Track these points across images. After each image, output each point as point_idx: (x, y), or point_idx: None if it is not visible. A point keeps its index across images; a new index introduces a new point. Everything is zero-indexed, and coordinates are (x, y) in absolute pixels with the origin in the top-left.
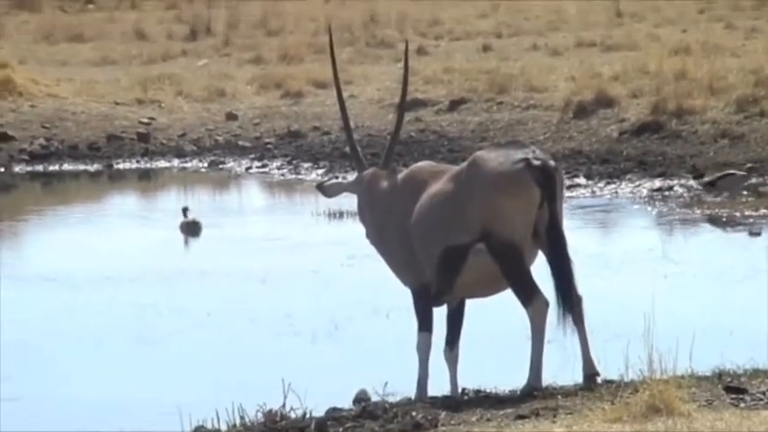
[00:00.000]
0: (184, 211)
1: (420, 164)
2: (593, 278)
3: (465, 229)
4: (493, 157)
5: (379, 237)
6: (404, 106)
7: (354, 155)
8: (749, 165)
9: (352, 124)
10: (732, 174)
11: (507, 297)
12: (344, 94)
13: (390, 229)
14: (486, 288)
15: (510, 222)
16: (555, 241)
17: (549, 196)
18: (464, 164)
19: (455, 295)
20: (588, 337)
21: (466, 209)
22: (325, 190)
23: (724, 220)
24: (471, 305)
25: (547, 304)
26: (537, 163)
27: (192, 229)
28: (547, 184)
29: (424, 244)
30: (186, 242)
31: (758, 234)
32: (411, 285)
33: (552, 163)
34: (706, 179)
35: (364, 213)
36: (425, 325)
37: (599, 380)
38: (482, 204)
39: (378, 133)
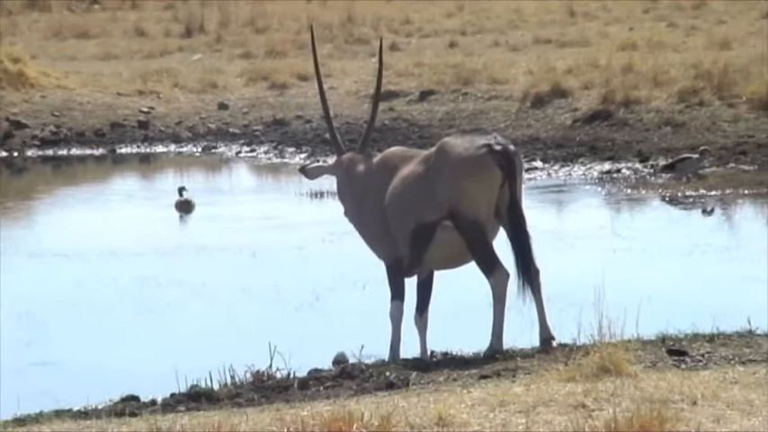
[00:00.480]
0: (180, 190)
1: (392, 149)
2: (549, 252)
3: (434, 207)
4: (459, 143)
5: (356, 215)
6: (379, 97)
7: (334, 141)
8: (702, 148)
9: (331, 113)
10: (689, 157)
11: (472, 269)
12: (325, 87)
13: (367, 207)
14: (453, 261)
15: (474, 202)
16: (515, 219)
17: (510, 178)
18: (433, 149)
19: (425, 267)
20: (545, 305)
21: (435, 189)
22: (307, 172)
23: (667, 199)
24: (439, 276)
25: (507, 275)
26: (498, 148)
27: (185, 207)
28: (507, 167)
29: (398, 221)
30: (181, 219)
31: (711, 212)
32: (385, 259)
33: (512, 148)
34: (666, 162)
35: (343, 193)
36: (398, 294)
37: (554, 343)
38: (449, 185)
39: (355, 121)
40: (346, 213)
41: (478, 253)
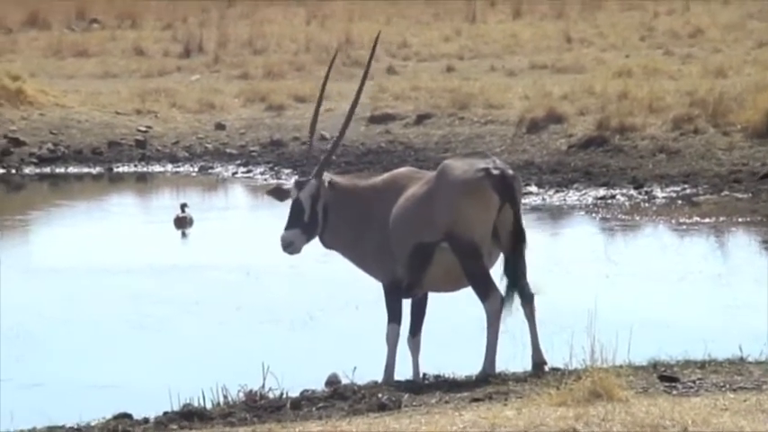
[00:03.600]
0: (183, 206)
1: (401, 169)
2: (542, 276)
3: (432, 228)
4: (458, 166)
5: (353, 237)
6: (351, 116)
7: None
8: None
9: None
10: None
11: (466, 291)
12: (321, 108)
13: (371, 227)
14: (452, 283)
15: (470, 224)
16: (516, 243)
17: (509, 201)
18: (434, 171)
19: (424, 289)
20: (538, 330)
21: (433, 210)
22: (279, 194)
23: (660, 225)
24: (432, 298)
25: (502, 300)
26: (496, 172)
27: (183, 223)
28: (505, 190)
29: (398, 240)
30: (181, 235)
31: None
32: (384, 281)
33: (510, 172)
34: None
35: (337, 217)
36: (396, 317)
37: (546, 368)
38: (446, 207)
39: (351, 144)
40: (327, 239)
41: (474, 276)
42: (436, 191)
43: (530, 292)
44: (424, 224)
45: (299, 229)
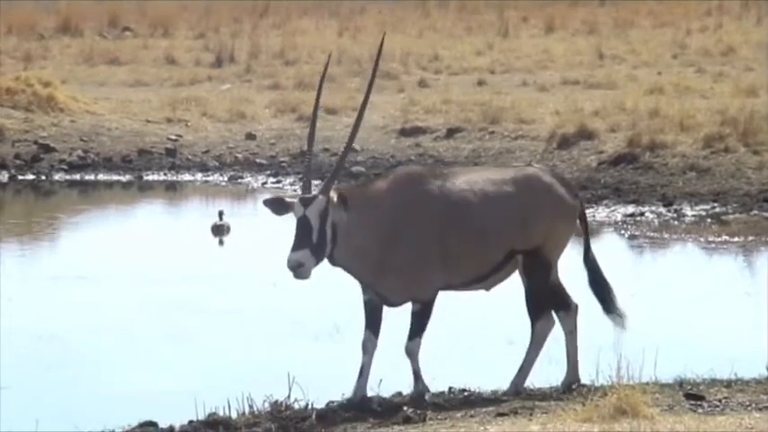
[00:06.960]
0: (220, 214)
1: (413, 168)
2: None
3: (523, 238)
4: (558, 185)
5: (383, 251)
6: (357, 127)
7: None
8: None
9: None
10: None
11: (492, 305)
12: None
13: (411, 235)
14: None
15: (558, 245)
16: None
17: (585, 228)
18: (511, 172)
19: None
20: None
21: (528, 221)
22: (279, 206)
23: (689, 244)
24: (457, 312)
25: (554, 324)
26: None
27: (221, 230)
28: (583, 217)
29: (482, 243)
30: (219, 243)
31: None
32: (425, 295)
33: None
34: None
35: (351, 233)
36: (423, 330)
37: (574, 386)
38: (545, 223)
39: (381, 156)
40: (340, 258)
41: (536, 292)
42: (535, 203)
43: (575, 303)
44: (517, 232)
45: (309, 250)
